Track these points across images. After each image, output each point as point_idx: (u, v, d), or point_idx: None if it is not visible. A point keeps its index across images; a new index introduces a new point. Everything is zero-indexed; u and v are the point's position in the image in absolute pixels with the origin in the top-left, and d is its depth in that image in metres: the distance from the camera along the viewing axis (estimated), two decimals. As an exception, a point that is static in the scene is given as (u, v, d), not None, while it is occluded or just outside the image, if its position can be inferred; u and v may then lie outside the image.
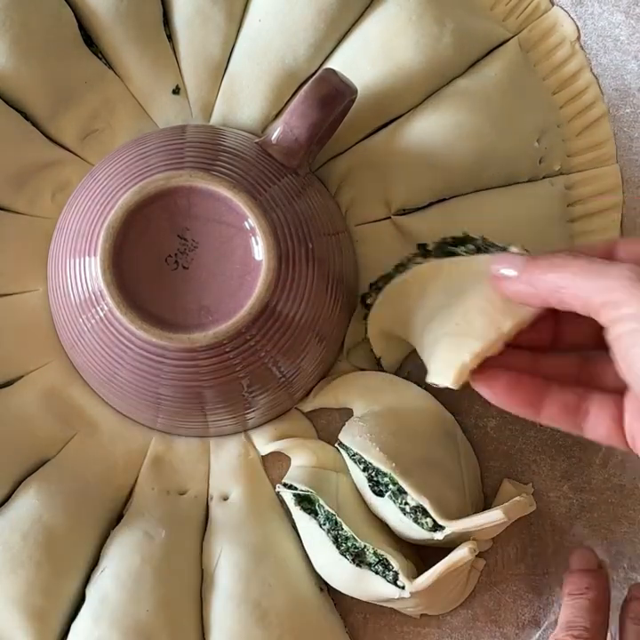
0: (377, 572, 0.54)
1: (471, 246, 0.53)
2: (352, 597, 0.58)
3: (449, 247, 0.54)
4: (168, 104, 0.62)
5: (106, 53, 0.61)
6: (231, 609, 0.56)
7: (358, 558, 0.55)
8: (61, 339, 0.60)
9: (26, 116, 0.60)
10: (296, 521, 0.58)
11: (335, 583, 0.57)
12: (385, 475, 0.55)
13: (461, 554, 0.53)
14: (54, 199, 0.61)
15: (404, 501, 0.54)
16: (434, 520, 0.54)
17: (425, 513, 0.54)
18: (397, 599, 0.55)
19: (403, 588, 0.54)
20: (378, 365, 0.61)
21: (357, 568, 0.55)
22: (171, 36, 0.61)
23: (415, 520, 0.54)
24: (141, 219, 0.53)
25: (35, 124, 0.60)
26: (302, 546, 0.59)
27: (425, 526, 0.54)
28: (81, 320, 0.55)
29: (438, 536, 0.54)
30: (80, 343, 0.56)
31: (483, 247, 0.52)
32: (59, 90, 0.59)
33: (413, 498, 0.54)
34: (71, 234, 0.55)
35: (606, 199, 0.62)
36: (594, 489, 0.60)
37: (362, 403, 0.60)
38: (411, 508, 0.54)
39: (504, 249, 0.50)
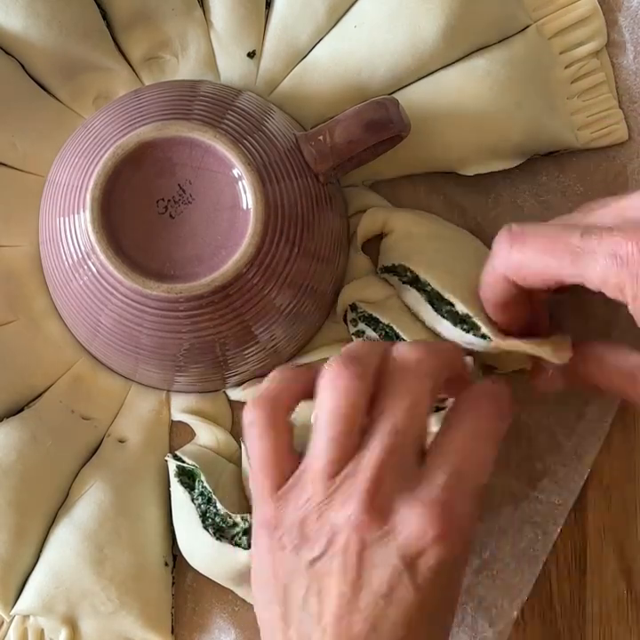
0: (237, 544, 0.55)
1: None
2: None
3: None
4: (238, 63, 0.61)
5: (203, -8, 0.61)
6: (74, 539, 0.57)
7: (219, 532, 0.56)
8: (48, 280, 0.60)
9: (104, 16, 0.60)
10: (171, 491, 0.58)
11: (195, 561, 0.58)
12: None
13: None
14: (95, 103, 0.61)
15: None
16: None
17: None
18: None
19: None
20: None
21: (217, 542, 0.56)
22: (270, 4, 0.61)
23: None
24: (140, 161, 0.53)
25: (109, 26, 0.60)
26: (166, 518, 0.59)
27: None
28: (67, 264, 0.55)
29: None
30: (64, 287, 0.57)
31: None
32: (145, 4, 0.60)
33: None
34: (61, 188, 0.56)
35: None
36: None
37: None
38: None
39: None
